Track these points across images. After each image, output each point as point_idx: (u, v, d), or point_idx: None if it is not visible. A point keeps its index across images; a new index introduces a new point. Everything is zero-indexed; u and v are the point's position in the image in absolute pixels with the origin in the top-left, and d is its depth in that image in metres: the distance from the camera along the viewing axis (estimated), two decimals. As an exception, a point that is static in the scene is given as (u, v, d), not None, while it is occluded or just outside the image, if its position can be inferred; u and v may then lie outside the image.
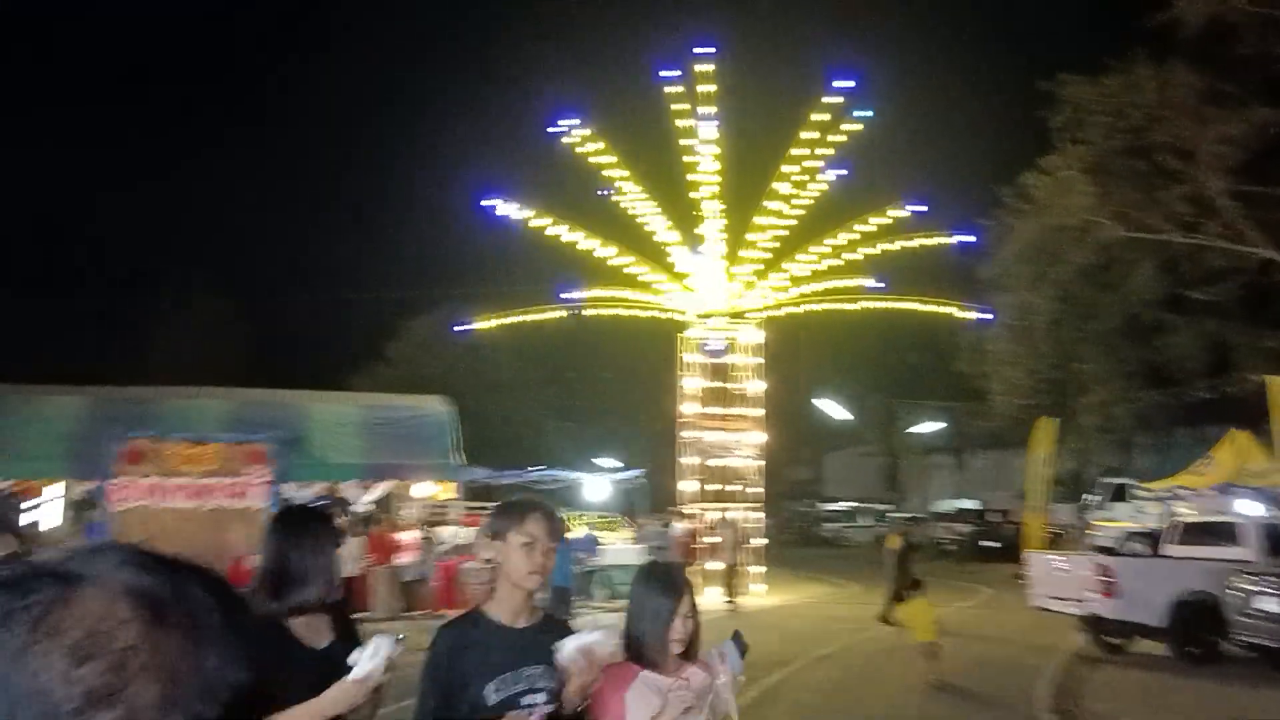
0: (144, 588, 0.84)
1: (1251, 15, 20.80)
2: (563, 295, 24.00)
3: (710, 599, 19.79)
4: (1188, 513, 17.55)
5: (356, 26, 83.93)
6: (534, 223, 22.69)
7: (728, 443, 23.04)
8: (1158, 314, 25.33)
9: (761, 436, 23.38)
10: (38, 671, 0.79)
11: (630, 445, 42.85)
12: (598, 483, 25.68)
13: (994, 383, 25.87)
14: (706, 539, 21.94)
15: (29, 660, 0.79)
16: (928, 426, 43.11)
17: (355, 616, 3.37)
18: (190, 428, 18.96)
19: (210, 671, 0.84)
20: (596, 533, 21.50)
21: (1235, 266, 22.50)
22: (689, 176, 23.21)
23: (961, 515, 41.56)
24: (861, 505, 49.81)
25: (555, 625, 3.02)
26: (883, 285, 23.83)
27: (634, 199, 23.25)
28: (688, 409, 23.14)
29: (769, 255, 23.90)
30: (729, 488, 23.19)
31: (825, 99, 23.01)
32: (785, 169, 23.31)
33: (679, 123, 22.95)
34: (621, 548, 21.16)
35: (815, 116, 23.05)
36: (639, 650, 3.05)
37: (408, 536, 20.09)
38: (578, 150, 23.08)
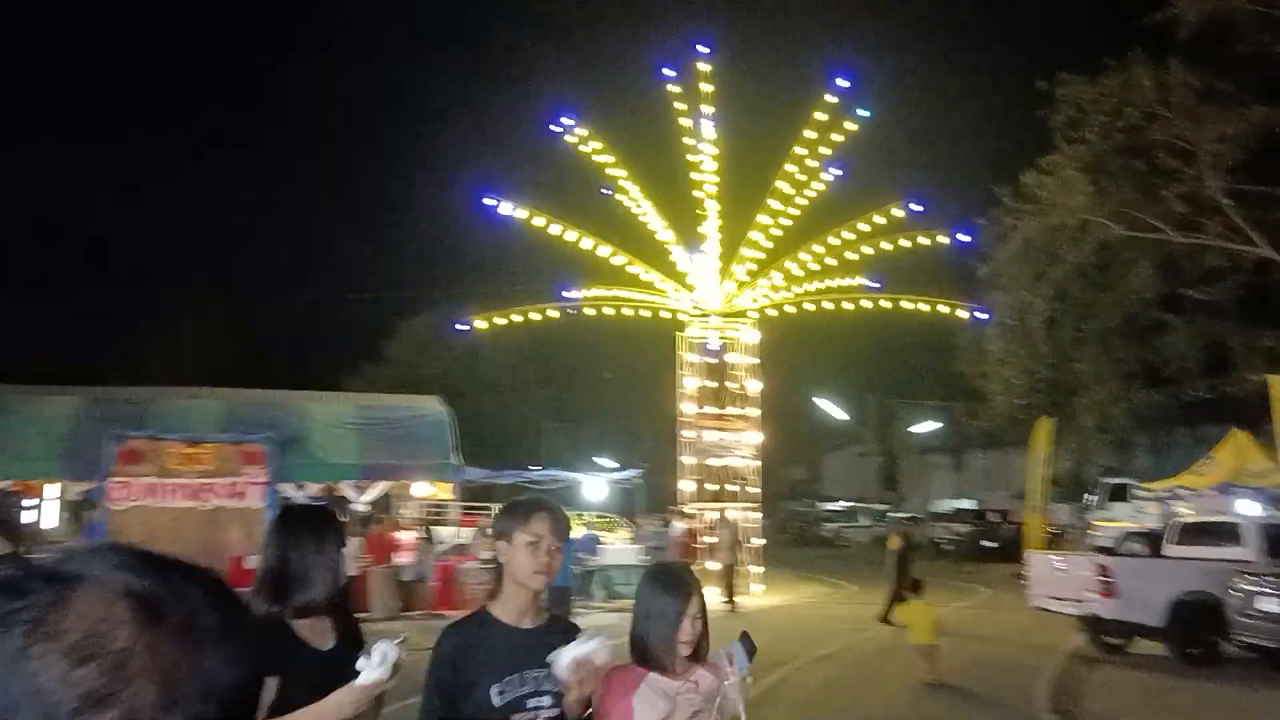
0: (141, 589, 0.83)
1: (1250, 14, 20.79)
2: (561, 294, 23.97)
3: (708, 599, 19.76)
4: (1188, 513, 17.56)
5: (355, 26, 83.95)
6: (533, 222, 22.66)
7: (726, 442, 23.01)
8: (1156, 313, 25.33)
9: (759, 436, 23.36)
10: (36, 673, 0.79)
11: (629, 445, 42.89)
12: (596, 483, 25.66)
13: (992, 382, 25.86)
14: (706, 539, 21.91)
15: (27, 662, 0.79)
16: (926, 426, 43.12)
17: (353, 617, 3.33)
18: (187, 428, 18.93)
19: (209, 672, 0.83)
20: (595, 533, 21.48)
21: (1233, 266, 22.50)
22: (688, 175, 23.21)
23: (960, 515, 41.57)
24: (860, 505, 49.84)
25: (562, 626, 2.98)
26: (877, 285, 23.81)
27: (633, 198, 23.23)
28: (687, 409, 23.12)
29: (767, 254, 23.89)
30: (727, 487, 23.16)
31: (823, 98, 23.02)
32: (784, 168, 23.30)
33: (678, 122, 22.95)
34: (620, 548, 21.15)
35: (814, 116, 23.06)
36: (646, 652, 2.99)
37: (406, 536, 20.07)
38: (577, 149, 23.07)
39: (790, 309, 24.11)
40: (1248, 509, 16.07)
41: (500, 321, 23.52)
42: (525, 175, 32.67)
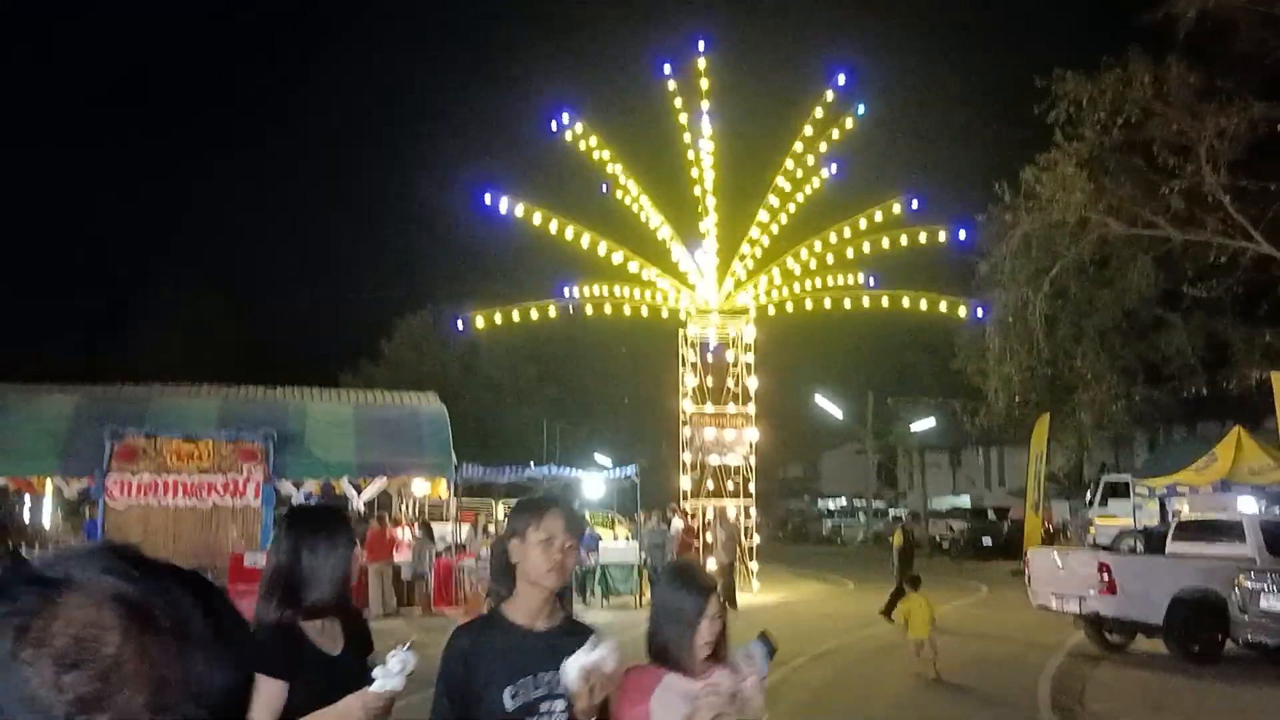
0: (130, 593, 0.83)
1: (1249, 11, 20.77)
2: (561, 292, 23.93)
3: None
4: (1190, 510, 17.54)
5: (355, 25, 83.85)
6: (532, 219, 22.62)
7: (724, 440, 22.99)
8: (1155, 310, 25.30)
9: (757, 433, 23.34)
10: (27, 679, 0.79)
11: (628, 443, 42.86)
12: (595, 480, 25.63)
13: (990, 380, 25.79)
14: (706, 536, 21.90)
15: (17, 668, 0.79)
16: (924, 424, 43.11)
17: (363, 620, 3.26)
18: (185, 425, 18.91)
19: (198, 675, 0.83)
20: (594, 531, 21.44)
21: (1233, 263, 22.47)
22: (687, 173, 23.19)
23: (959, 513, 41.61)
24: (858, 503, 49.89)
25: (577, 628, 2.89)
26: (873, 283, 23.78)
27: (632, 195, 23.21)
28: (686, 406, 23.10)
29: (766, 252, 23.87)
30: (726, 484, 23.15)
31: (822, 95, 22.99)
32: (784, 165, 23.28)
33: (678, 119, 22.93)
34: (620, 545, 21.12)
35: (813, 112, 23.03)
36: (664, 653, 2.93)
37: (404, 534, 20.05)
38: (577, 147, 23.03)
39: (789, 306, 24.08)
40: (1248, 506, 16.04)
41: (499, 319, 23.47)
42: (525, 173, 32.64)
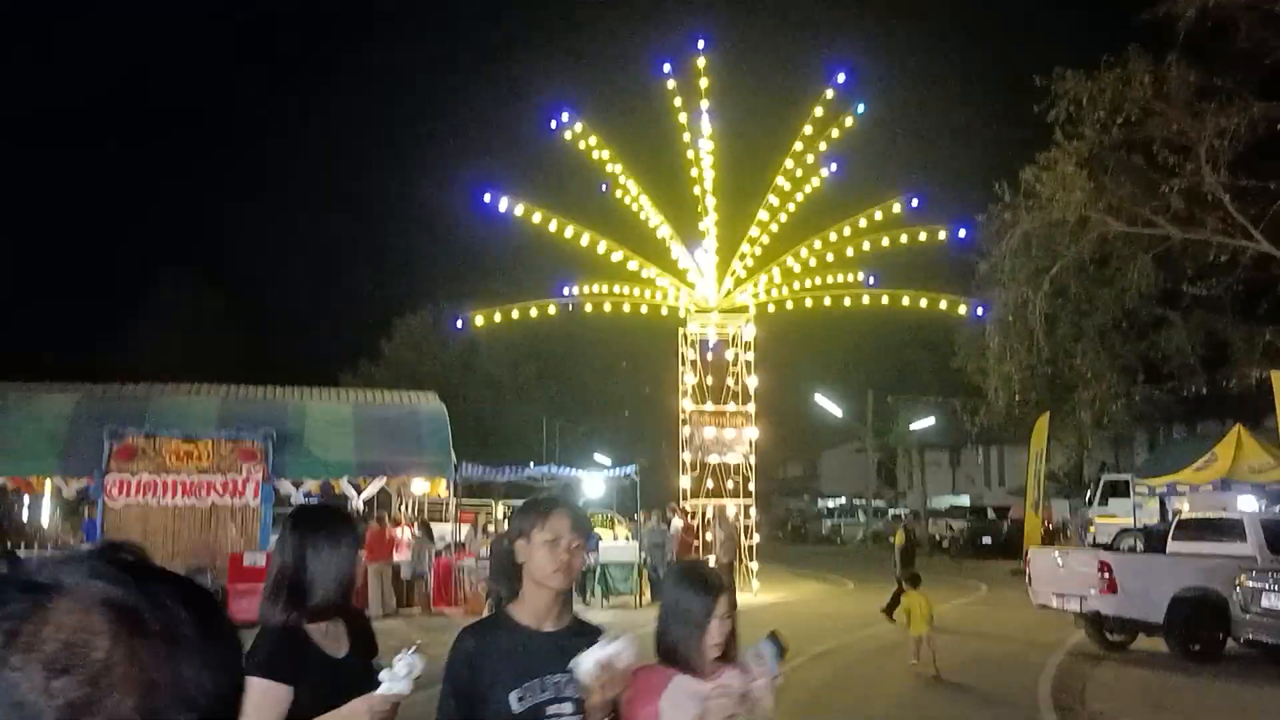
0: (119, 597, 0.83)
1: (1249, 10, 20.75)
2: (560, 291, 23.92)
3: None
4: (1190, 509, 17.53)
5: (355, 25, 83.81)
6: (532, 218, 22.60)
7: (724, 438, 22.97)
8: (1155, 309, 25.28)
9: (756, 432, 23.33)
10: (16, 684, 0.79)
11: (628, 442, 42.85)
12: (594, 479, 25.62)
13: (990, 379, 25.77)
14: (706, 536, 21.89)
15: (6, 673, 0.79)
16: (923, 422, 43.12)
17: (368, 622, 3.23)
18: (185, 425, 18.90)
19: (188, 680, 0.83)
20: (594, 530, 21.42)
21: (1232, 262, 22.45)
22: (687, 171, 23.17)
23: (959, 512, 41.62)
24: (857, 502, 49.87)
25: (585, 629, 2.85)
26: (872, 281, 23.77)
27: (632, 194, 23.18)
28: (686, 405, 23.09)
29: (766, 250, 23.85)
30: (726, 484, 23.12)
31: (822, 94, 22.97)
32: (783, 163, 23.25)
33: (678, 118, 22.90)
34: (620, 545, 21.11)
35: (813, 111, 23.01)
36: (673, 653, 2.90)
37: (404, 533, 20.03)
38: (576, 146, 23.01)
39: (789, 305, 24.06)
40: (1248, 505, 16.03)
41: (499, 318, 23.45)
42: (525, 172, 32.61)
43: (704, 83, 22.54)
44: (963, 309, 23.56)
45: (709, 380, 23.12)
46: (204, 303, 44.76)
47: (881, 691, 11.77)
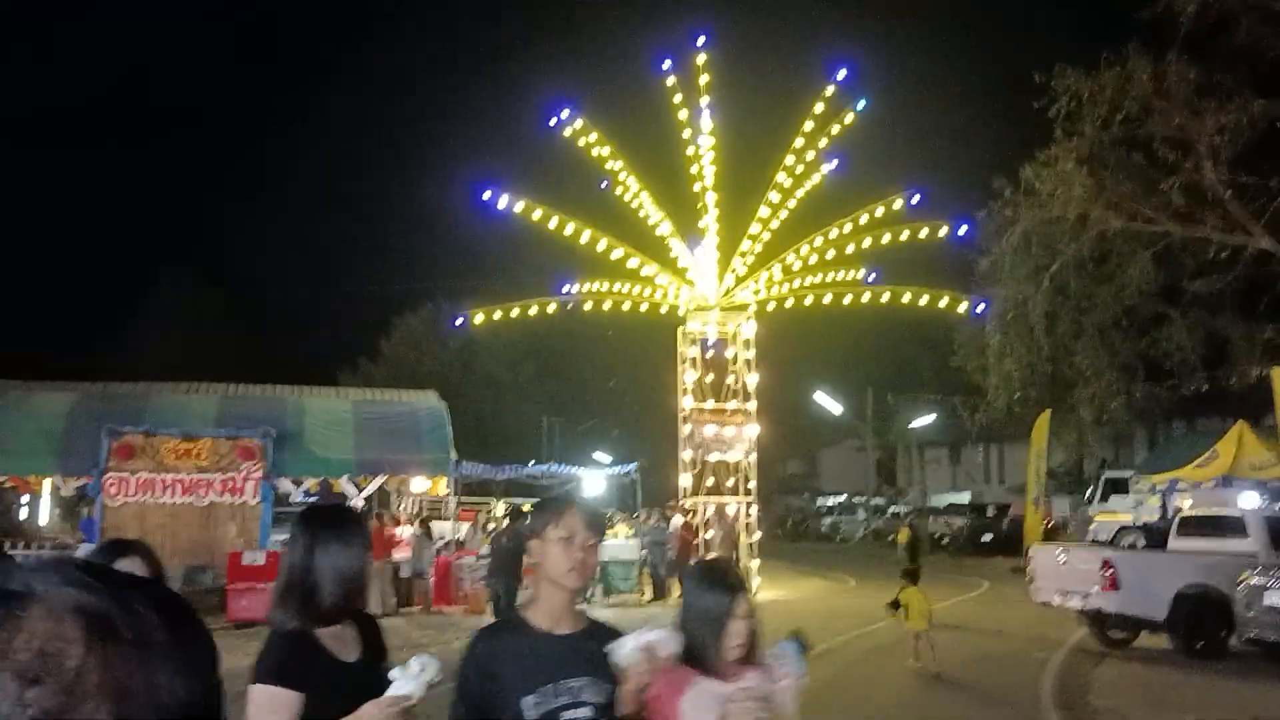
0: (92, 605, 0.83)
1: (1249, 8, 20.73)
2: (560, 289, 23.87)
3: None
4: (1192, 506, 17.49)
5: (355, 24, 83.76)
6: (531, 216, 22.55)
7: (724, 436, 22.92)
8: (1155, 307, 25.25)
9: (757, 430, 23.28)
10: None
11: (628, 440, 42.83)
12: (594, 478, 25.59)
13: (990, 376, 25.76)
14: (706, 534, 21.85)
15: None
16: (923, 420, 43.09)
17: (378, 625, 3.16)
18: (183, 423, 18.85)
19: (161, 687, 0.83)
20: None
21: (1232, 258, 22.43)
22: (687, 169, 23.10)
23: (959, 509, 41.58)
24: (857, 500, 49.81)
25: (601, 631, 2.80)
26: (875, 277, 23.72)
27: (632, 191, 23.13)
28: (686, 403, 23.04)
29: (766, 248, 23.79)
30: (726, 482, 23.07)
31: (823, 90, 22.91)
32: (784, 160, 23.20)
33: (677, 115, 22.84)
34: (620, 543, 21.07)
35: (813, 108, 22.96)
36: (693, 655, 2.84)
37: (404, 532, 19.98)
38: (576, 143, 22.94)
39: (789, 302, 24.01)
40: (1250, 502, 15.99)
41: (498, 316, 23.40)
42: (524, 169, 32.59)
43: (704, 79, 22.48)
44: (963, 306, 23.49)
45: (709, 378, 23.06)
46: (204, 302, 44.75)
47: (883, 691, 11.73)
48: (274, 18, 79.97)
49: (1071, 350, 25.65)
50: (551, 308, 23.82)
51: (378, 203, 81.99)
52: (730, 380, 23.10)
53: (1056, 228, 23.42)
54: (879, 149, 27.47)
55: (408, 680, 2.67)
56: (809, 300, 23.79)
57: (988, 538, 34.99)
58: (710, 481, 22.77)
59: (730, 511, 22.44)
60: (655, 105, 23.59)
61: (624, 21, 50.73)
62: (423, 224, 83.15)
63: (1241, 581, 12.37)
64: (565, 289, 23.83)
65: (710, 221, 23.30)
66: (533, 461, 27.58)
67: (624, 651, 2.57)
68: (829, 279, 23.78)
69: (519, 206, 22.50)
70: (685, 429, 22.91)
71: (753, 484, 23.01)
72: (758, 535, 23.43)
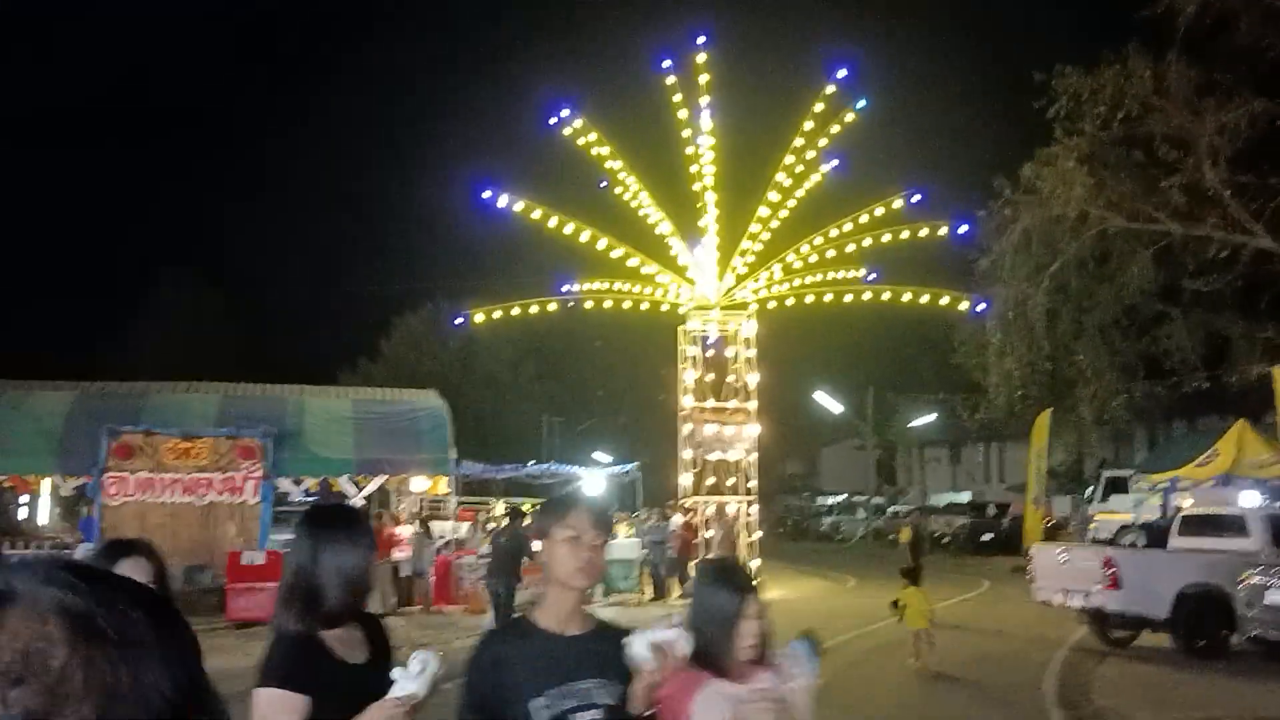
0: (74, 604, 0.82)
1: (1249, 7, 20.72)
2: (560, 288, 23.85)
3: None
4: (1193, 505, 17.46)
5: (355, 23, 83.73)
6: (531, 215, 22.53)
7: (724, 436, 22.90)
8: (1155, 306, 25.24)
9: (757, 429, 23.27)
10: None
11: (628, 440, 42.82)
12: (594, 477, 25.57)
13: (990, 375, 25.75)
14: (706, 534, 21.84)
15: None
16: (923, 419, 43.06)
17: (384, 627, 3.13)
18: (183, 422, 18.83)
19: (145, 684, 0.83)
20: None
21: (1232, 258, 22.42)
22: (687, 168, 23.08)
23: (959, 508, 41.55)
24: (857, 499, 49.78)
25: (610, 632, 2.76)
26: (875, 276, 23.72)
27: (632, 190, 23.10)
28: (686, 402, 23.03)
29: (766, 247, 23.78)
30: (726, 481, 23.06)
31: (823, 89, 22.90)
32: (784, 159, 23.19)
33: (677, 114, 22.82)
34: (620, 542, 21.05)
35: (813, 107, 22.94)
36: (703, 655, 2.81)
37: (404, 531, 19.96)
38: (576, 142, 22.92)
39: (789, 301, 24.00)
40: (1251, 500, 15.98)
41: (498, 316, 23.38)
42: (524, 169, 32.49)
43: (704, 79, 22.45)
44: (963, 305, 23.49)
45: (709, 377, 23.05)
46: (203, 302, 44.71)
47: (883, 690, 11.72)
48: (274, 18, 79.96)
49: (1072, 349, 25.64)
50: (552, 307, 23.80)
51: (378, 203, 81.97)
52: (731, 379, 23.09)
53: (1057, 227, 23.41)
54: (879, 149, 27.45)
55: (409, 680, 2.64)
56: (809, 299, 23.77)
57: (988, 537, 34.95)
58: (710, 481, 22.76)
59: (730, 511, 22.42)
60: (655, 104, 23.56)
61: (624, 21, 50.69)
62: (423, 224, 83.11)
63: (1243, 580, 12.35)
64: (565, 288, 23.80)
65: (710, 221, 23.28)
66: (533, 461, 27.56)
67: (637, 648, 2.55)
68: (829, 278, 23.77)
69: (519, 206, 22.49)
70: (685, 428, 22.90)
71: (753, 483, 22.99)
72: (758, 534, 23.42)
